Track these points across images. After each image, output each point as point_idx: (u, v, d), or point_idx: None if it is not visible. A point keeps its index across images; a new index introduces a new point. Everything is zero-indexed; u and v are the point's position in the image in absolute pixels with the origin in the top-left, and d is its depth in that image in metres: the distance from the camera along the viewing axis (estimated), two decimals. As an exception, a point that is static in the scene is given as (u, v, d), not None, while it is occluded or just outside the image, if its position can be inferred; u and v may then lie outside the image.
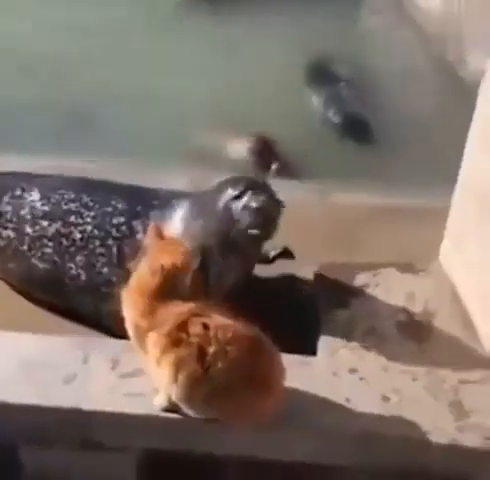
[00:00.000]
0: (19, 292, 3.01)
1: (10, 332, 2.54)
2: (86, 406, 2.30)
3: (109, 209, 2.85)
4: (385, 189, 3.72)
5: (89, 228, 2.85)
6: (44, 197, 2.95)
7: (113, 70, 4.75)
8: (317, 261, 3.03)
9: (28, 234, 2.92)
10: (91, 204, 2.89)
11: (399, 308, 2.77)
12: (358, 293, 2.85)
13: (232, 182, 2.73)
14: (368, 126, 4.36)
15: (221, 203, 2.68)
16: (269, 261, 3.15)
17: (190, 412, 2.22)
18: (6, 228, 2.96)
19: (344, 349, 2.58)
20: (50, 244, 2.89)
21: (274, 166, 2.88)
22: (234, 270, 2.74)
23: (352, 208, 3.50)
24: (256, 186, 2.70)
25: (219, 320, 2.16)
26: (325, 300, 2.83)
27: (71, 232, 2.87)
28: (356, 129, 4.31)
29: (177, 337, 2.14)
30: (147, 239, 2.35)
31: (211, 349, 2.12)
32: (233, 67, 4.76)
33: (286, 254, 3.18)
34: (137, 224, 2.79)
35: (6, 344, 2.50)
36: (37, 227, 2.92)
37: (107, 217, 2.84)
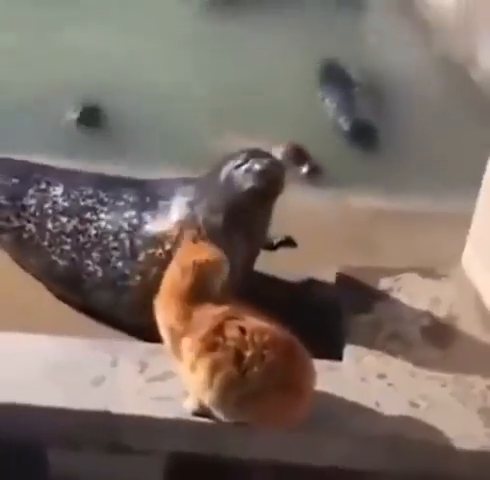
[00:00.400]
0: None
1: (36, 334, 2.55)
2: (115, 409, 2.31)
3: (121, 203, 2.88)
4: (393, 194, 3.76)
5: (103, 224, 2.87)
6: (66, 192, 2.97)
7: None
8: (336, 265, 3.04)
9: (49, 230, 2.94)
10: (106, 199, 2.91)
11: (423, 312, 2.78)
12: (381, 297, 2.85)
13: (232, 154, 2.76)
14: (375, 133, 4.39)
15: (223, 175, 2.71)
16: (272, 248, 3.18)
17: (221, 416, 2.23)
18: (29, 221, 2.98)
19: (370, 354, 2.59)
20: (68, 241, 2.91)
21: (304, 169, 2.90)
22: (240, 251, 2.73)
23: (366, 212, 3.51)
24: (257, 153, 2.72)
25: (254, 323, 2.17)
26: (348, 304, 2.84)
27: (87, 229, 2.89)
28: (363, 136, 4.34)
29: (213, 341, 2.14)
30: (181, 244, 2.36)
31: (248, 353, 2.12)
32: (245, 68, 4.77)
33: (289, 243, 3.22)
34: (146, 215, 2.83)
35: (32, 346, 2.50)
36: (57, 223, 2.94)
37: (119, 211, 2.87)
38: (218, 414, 2.23)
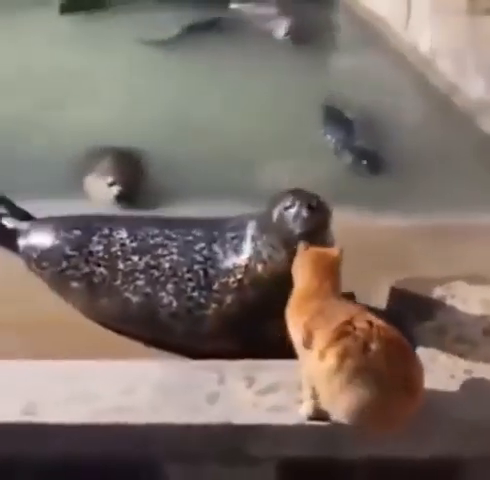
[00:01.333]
0: (112, 329, 3.18)
1: (141, 361, 2.71)
2: (236, 421, 2.49)
3: (190, 237, 3.09)
4: (410, 213, 4.05)
5: (175, 257, 3.06)
6: (131, 234, 3.15)
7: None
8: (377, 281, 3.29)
9: (120, 269, 3.11)
10: (174, 236, 3.11)
11: (480, 316, 3.04)
12: (439, 304, 3.11)
13: (280, 195, 3.00)
14: (378, 158, 4.73)
15: (275, 216, 2.95)
16: None
17: (340, 412, 2.40)
18: (99, 265, 3.14)
19: (442, 355, 2.84)
20: (142, 276, 3.08)
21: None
22: None
23: (392, 231, 3.79)
24: (302, 195, 2.96)
25: (380, 320, 2.41)
26: (411, 313, 3.08)
27: (160, 263, 3.07)
28: (368, 161, 4.69)
29: (344, 330, 2.37)
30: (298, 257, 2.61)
31: (373, 345, 2.34)
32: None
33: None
34: (215, 247, 3.05)
35: (141, 372, 2.66)
36: (129, 262, 3.11)
37: (190, 245, 3.08)
38: (337, 411, 2.41)
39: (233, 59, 5.79)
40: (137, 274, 3.10)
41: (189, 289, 3.04)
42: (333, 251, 2.62)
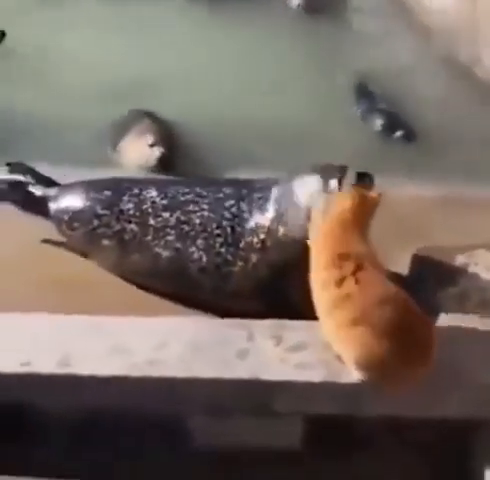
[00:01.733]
0: (140, 287, 3.27)
1: (174, 317, 2.80)
2: (264, 376, 2.58)
3: (220, 195, 3.17)
4: (437, 182, 4.11)
5: (206, 213, 3.15)
6: (161, 192, 3.23)
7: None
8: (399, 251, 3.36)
9: (152, 225, 3.19)
10: (205, 193, 3.19)
11: (503, 282, 3.12)
12: (461, 271, 3.18)
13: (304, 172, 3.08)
14: (410, 126, 4.77)
15: (296, 193, 3.02)
16: None
17: (344, 355, 2.52)
18: (130, 222, 3.23)
19: (465, 321, 2.91)
20: (172, 232, 3.17)
21: None
22: None
23: (415, 201, 3.85)
24: (328, 171, 3.02)
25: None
26: (433, 279, 3.16)
27: (191, 218, 3.16)
28: (403, 128, 4.71)
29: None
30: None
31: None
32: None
33: None
34: (243, 205, 3.13)
35: (173, 327, 2.75)
36: (159, 218, 3.19)
37: (220, 201, 3.16)
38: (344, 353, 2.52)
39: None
40: (168, 230, 3.18)
41: (218, 245, 3.12)
42: (374, 193, 2.73)
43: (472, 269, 3.20)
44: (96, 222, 3.27)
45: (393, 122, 4.80)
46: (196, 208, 3.17)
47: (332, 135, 4.58)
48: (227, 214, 3.13)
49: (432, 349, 2.50)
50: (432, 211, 3.73)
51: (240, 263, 3.10)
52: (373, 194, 2.73)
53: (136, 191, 3.28)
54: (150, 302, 3.18)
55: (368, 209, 2.69)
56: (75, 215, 3.34)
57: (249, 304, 3.11)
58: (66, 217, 3.36)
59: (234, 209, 3.13)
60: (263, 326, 2.75)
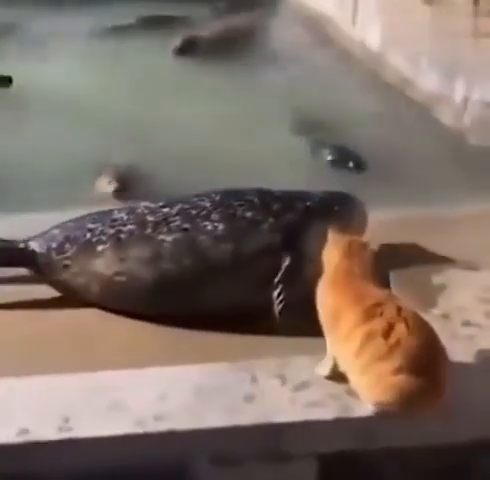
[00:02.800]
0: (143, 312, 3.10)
1: (175, 366, 2.70)
2: (276, 419, 2.52)
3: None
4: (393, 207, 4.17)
5: (218, 198, 3.15)
6: (154, 201, 3.25)
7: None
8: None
9: (150, 221, 3.12)
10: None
11: (480, 300, 3.16)
12: (441, 292, 3.22)
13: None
14: (360, 157, 4.87)
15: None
16: None
17: (362, 394, 2.48)
18: (125, 225, 3.12)
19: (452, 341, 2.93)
20: (177, 218, 3.10)
21: None
22: None
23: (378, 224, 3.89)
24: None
25: (408, 307, 2.51)
26: (413, 302, 3.17)
27: (197, 204, 3.13)
28: (350, 160, 4.79)
29: (372, 312, 2.45)
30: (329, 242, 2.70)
31: (400, 329, 2.42)
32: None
33: None
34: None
35: (174, 376, 2.65)
36: (159, 214, 3.13)
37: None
38: (361, 391, 2.48)
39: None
40: (171, 218, 3.10)
41: (240, 211, 3.08)
42: (361, 238, 2.75)
43: (450, 290, 3.25)
44: (89, 235, 3.15)
45: (342, 155, 4.88)
46: (203, 199, 3.14)
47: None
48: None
49: (444, 379, 2.49)
50: (395, 233, 3.77)
51: (271, 219, 3.08)
52: (362, 239, 2.74)
53: (125, 207, 3.27)
54: (146, 351, 3.00)
55: (360, 254, 2.64)
56: (65, 238, 3.19)
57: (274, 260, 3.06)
58: (54, 244, 3.19)
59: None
60: (265, 366, 2.70)
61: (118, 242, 3.10)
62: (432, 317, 3.04)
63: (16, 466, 2.45)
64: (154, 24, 7.51)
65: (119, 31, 7.22)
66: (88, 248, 3.13)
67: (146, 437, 2.47)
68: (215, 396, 2.57)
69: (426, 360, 2.44)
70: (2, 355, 2.87)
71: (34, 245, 3.24)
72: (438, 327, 2.96)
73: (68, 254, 3.16)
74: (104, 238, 3.11)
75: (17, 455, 2.44)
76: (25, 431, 2.43)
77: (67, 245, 3.17)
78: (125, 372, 2.64)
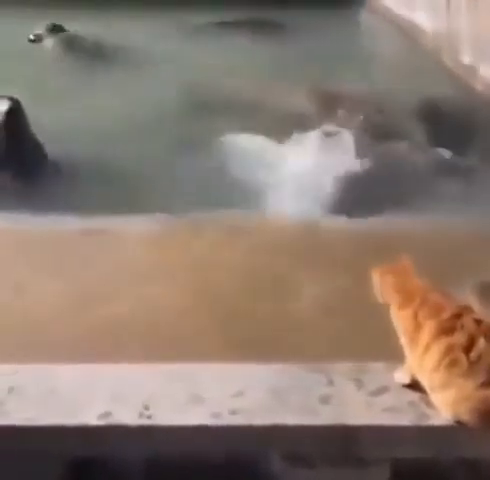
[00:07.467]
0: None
1: (253, 364, 2.75)
2: (352, 422, 2.53)
3: None
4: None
5: None
6: None
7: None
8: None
9: None
10: None
11: None
12: None
13: None
14: None
15: None
16: None
17: (440, 406, 2.46)
18: None
19: None
20: None
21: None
22: None
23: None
24: None
25: (487, 320, 2.47)
26: None
27: None
28: None
29: (451, 325, 2.43)
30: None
31: (480, 343, 2.40)
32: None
33: None
34: None
35: (251, 374, 2.70)
36: None
37: None
38: (439, 403, 2.46)
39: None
40: None
41: None
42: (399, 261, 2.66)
43: None
44: None
45: None
46: None
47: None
48: None
49: None
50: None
51: None
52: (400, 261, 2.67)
53: None
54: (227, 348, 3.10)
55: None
56: None
57: None
58: None
59: None
60: (342, 370, 2.72)
61: None
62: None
63: (95, 448, 2.54)
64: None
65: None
66: None
67: (221, 429, 2.52)
68: (291, 396, 2.60)
69: None
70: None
71: None
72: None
73: None
74: None
75: (98, 438, 2.53)
76: (108, 414, 2.53)
77: None
78: (205, 366, 2.70)
